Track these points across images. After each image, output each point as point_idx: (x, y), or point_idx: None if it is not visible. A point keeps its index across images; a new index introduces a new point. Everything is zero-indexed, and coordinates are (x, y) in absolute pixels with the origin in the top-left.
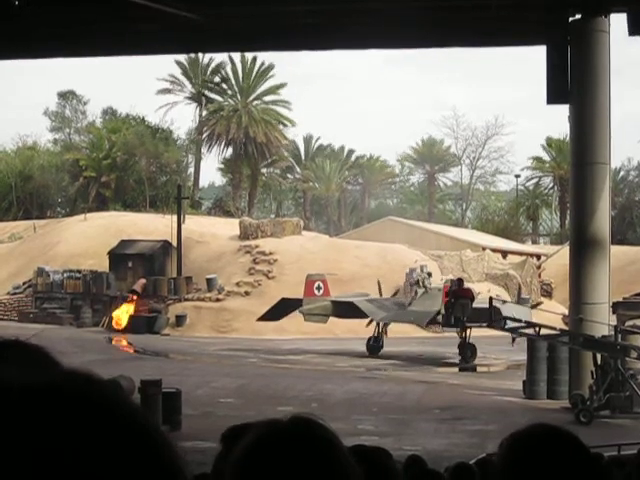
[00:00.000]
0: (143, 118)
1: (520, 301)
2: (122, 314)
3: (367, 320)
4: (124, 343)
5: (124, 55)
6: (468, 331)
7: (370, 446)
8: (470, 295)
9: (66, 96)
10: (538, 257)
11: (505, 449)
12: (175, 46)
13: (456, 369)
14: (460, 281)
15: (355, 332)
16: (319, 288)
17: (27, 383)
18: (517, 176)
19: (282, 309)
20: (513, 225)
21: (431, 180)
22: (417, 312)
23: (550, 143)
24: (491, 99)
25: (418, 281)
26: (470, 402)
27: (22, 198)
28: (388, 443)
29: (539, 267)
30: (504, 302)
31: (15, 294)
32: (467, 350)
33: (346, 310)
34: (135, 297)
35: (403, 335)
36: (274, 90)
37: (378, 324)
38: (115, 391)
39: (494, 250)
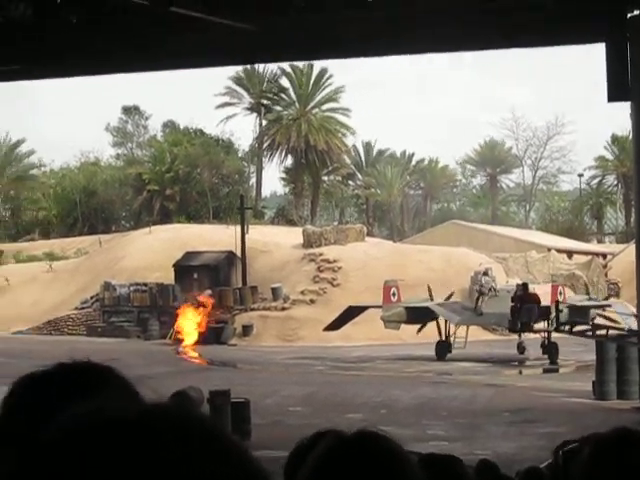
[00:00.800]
0: (202, 130)
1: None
2: (189, 326)
3: (418, 326)
4: (192, 354)
5: (177, 69)
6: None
7: (441, 454)
8: (536, 300)
9: (129, 111)
10: (604, 256)
11: (587, 453)
12: (230, 58)
13: (517, 371)
14: (525, 286)
15: (423, 337)
16: (394, 294)
17: (121, 415)
18: (580, 175)
19: (349, 317)
20: (578, 225)
21: (493, 182)
22: (497, 314)
23: (614, 140)
24: (550, 99)
25: (492, 288)
26: (540, 404)
27: (87, 213)
28: (458, 448)
29: (605, 266)
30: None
31: (83, 309)
32: (552, 349)
33: (419, 315)
34: (204, 306)
35: (470, 338)
36: (332, 96)
37: (447, 328)
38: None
39: (559, 250)
